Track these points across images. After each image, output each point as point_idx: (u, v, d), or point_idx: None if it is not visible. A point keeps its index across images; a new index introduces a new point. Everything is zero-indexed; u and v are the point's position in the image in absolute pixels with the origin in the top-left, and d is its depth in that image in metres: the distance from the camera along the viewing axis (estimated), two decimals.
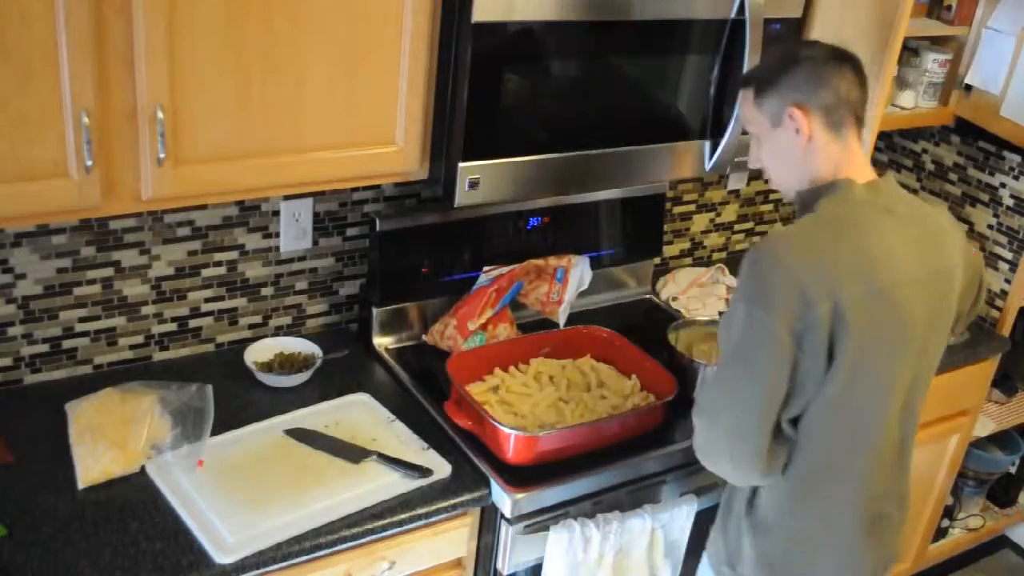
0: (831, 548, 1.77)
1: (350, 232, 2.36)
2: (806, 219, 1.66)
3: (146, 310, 2.17)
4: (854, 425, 1.68)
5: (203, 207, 2.13)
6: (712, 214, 2.97)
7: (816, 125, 1.66)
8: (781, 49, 1.76)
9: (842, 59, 1.68)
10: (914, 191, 3.11)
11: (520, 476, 1.96)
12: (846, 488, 1.73)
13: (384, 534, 1.85)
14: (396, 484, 1.91)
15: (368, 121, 1.87)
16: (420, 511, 1.88)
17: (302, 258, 2.32)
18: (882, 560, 1.85)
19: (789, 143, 1.69)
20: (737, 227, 3.05)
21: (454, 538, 1.98)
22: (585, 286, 2.43)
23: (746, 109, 1.75)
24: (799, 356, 1.59)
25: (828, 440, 1.68)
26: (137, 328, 2.18)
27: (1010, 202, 2.86)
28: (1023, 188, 2.83)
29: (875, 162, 3.18)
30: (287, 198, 2.21)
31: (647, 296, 2.78)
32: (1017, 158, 2.82)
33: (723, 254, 3.07)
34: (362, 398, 2.16)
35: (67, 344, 2.11)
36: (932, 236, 1.73)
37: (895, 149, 3.14)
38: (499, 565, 2.02)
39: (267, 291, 2.31)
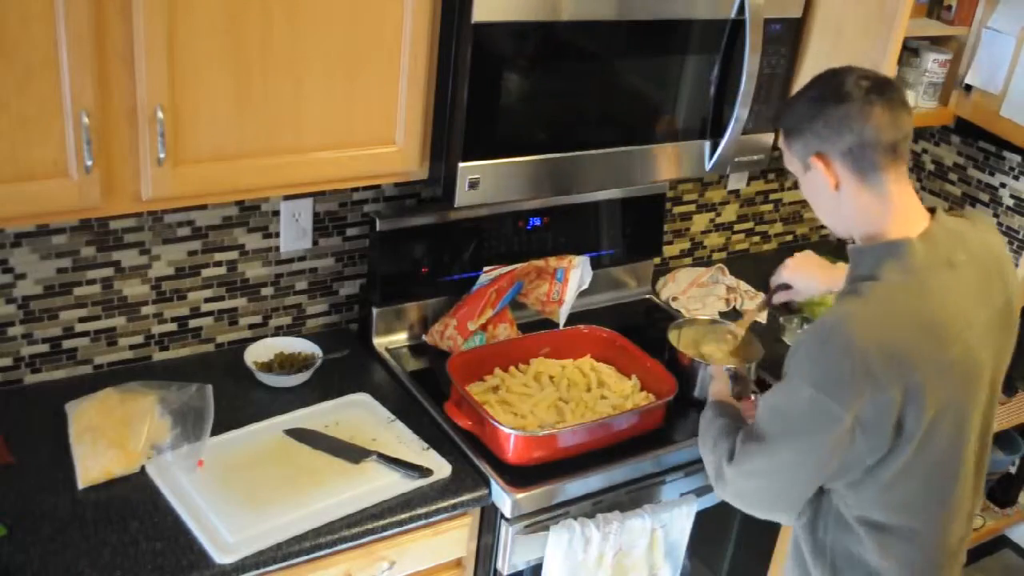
0: None
1: (350, 232, 2.36)
2: (872, 293, 1.56)
3: (146, 310, 2.17)
4: (931, 477, 1.64)
5: (203, 207, 2.13)
6: (712, 214, 2.97)
7: (842, 173, 1.60)
8: (812, 85, 1.65)
9: (869, 94, 1.57)
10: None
11: (520, 476, 1.96)
12: (930, 530, 1.69)
13: (384, 534, 1.85)
14: (396, 484, 1.91)
15: (368, 121, 1.87)
16: (420, 511, 1.88)
17: (302, 258, 2.32)
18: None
19: (820, 188, 1.64)
20: (737, 227, 3.05)
21: (454, 538, 1.98)
22: (585, 286, 2.43)
23: (782, 147, 1.71)
24: (859, 438, 1.55)
25: (905, 494, 1.64)
26: (137, 328, 2.18)
27: (1010, 202, 2.86)
28: (1023, 188, 2.83)
29: None
30: (287, 198, 2.21)
31: (647, 296, 2.78)
32: (1017, 158, 2.82)
33: (723, 254, 3.07)
34: (362, 398, 2.16)
35: (67, 344, 2.11)
36: (993, 272, 1.68)
37: None
38: (499, 565, 2.02)
39: (267, 291, 2.31)
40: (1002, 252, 1.74)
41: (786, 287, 2.16)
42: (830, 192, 1.63)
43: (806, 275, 2.12)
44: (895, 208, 1.61)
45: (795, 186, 3.12)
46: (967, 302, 1.61)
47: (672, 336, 2.34)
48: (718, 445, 1.76)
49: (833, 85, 1.60)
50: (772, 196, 3.07)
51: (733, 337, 2.30)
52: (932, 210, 1.67)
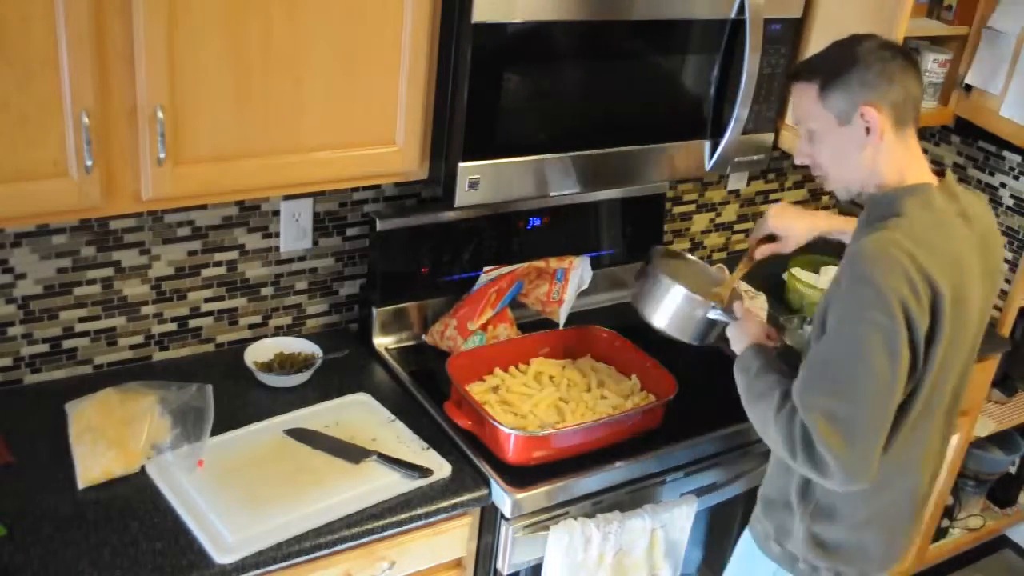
0: (887, 530, 1.80)
1: (350, 232, 2.36)
2: (900, 224, 1.61)
3: (146, 310, 2.17)
4: (919, 422, 1.70)
5: (203, 207, 2.13)
6: (712, 214, 2.97)
7: (886, 123, 1.64)
8: (843, 44, 1.69)
9: (907, 56, 1.66)
10: None
11: (520, 476, 1.96)
12: (910, 478, 1.76)
13: (384, 534, 1.85)
14: (396, 484, 1.91)
15: (368, 121, 1.87)
16: (420, 511, 1.88)
17: (302, 258, 2.32)
18: (917, 533, 1.89)
19: (856, 142, 1.66)
20: (737, 227, 3.05)
21: (454, 538, 1.98)
22: (585, 286, 2.43)
23: (806, 103, 1.69)
24: (910, 355, 1.58)
25: (900, 436, 1.68)
26: (137, 328, 2.18)
27: (1010, 202, 2.86)
28: (1023, 188, 2.83)
29: None
30: (287, 198, 2.21)
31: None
32: (1017, 158, 2.82)
33: (723, 254, 3.07)
34: (362, 398, 2.16)
35: (67, 344, 2.11)
36: (990, 237, 1.75)
37: None
38: (499, 565, 2.02)
39: (267, 291, 2.31)
40: (994, 222, 1.81)
41: (770, 239, 2.08)
42: (868, 143, 1.65)
43: (789, 221, 2.07)
44: (916, 159, 1.69)
45: (796, 186, 3.12)
46: (974, 254, 1.67)
47: (656, 255, 2.17)
48: (782, 418, 1.65)
49: (869, 43, 1.66)
50: (772, 196, 3.07)
51: (718, 299, 2.06)
52: (941, 173, 1.73)
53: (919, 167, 1.70)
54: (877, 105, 1.63)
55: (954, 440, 2.96)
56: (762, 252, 2.09)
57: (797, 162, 1.79)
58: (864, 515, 1.77)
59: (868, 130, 1.64)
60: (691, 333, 2.05)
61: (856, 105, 1.64)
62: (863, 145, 1.66)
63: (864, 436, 1.57)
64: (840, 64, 1.65)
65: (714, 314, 2.00)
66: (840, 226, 2.07)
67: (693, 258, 2.30)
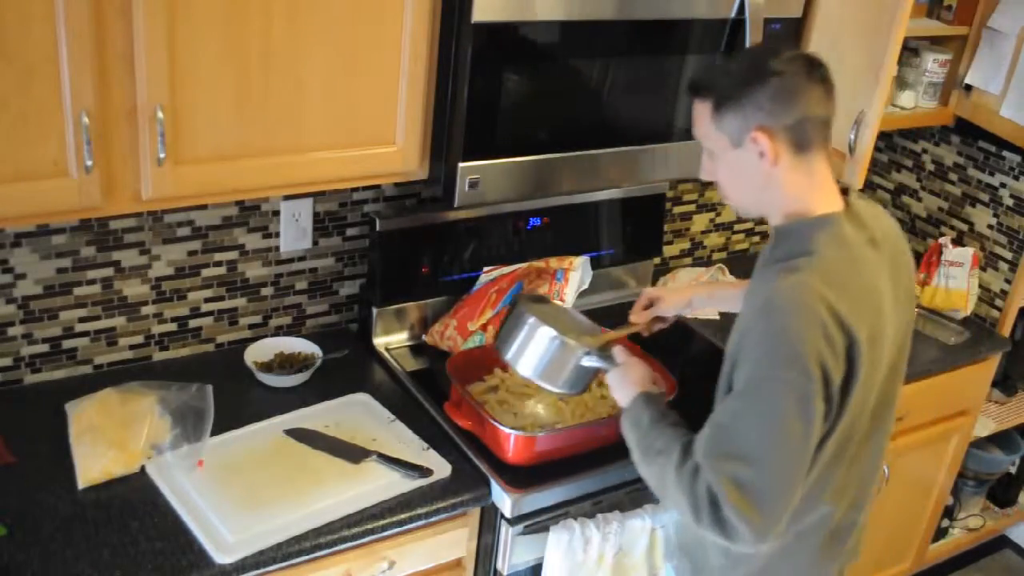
0: (804, 558, 1.73)
1: (350, 232, 2.36)
2: (812, 265, 1.52)
3: (146, 310, 2.17)
4: (831, 461, 1.62)
5: (203, 207, 2.13)
6: (712, 214, 2.97)
7: (782, 148, 1.54)
8: (745, 58, 1.60)
9: (811, 71, 1.54)
10: (913, 191, 3.11)
11: (520, 476, 1.96)
12: (821, 508, 1.68)
13: (384, 534, 1.85)
14: (396, 484, 1.91)
15: (368, 121, 1.87)
16: (420, 511, 1.88)
17: (302, 258, 2.32)
18: (846, 562, 1.82)
19: (750, 166, 1.56)
20: (737, 227, 3.05)
21: (454, 538, 1.98)
22: (585, 286, 2.43)
23: (700, 123, 1.60)
24: (825, 410, 1.51)
25: (815, 471, 1.60)
26: (137, 328, 2.18)
27: (1010, 202, 2.86)
28: (1023, 188, 2.83)
29: (875, 162, 3.18)
30: (287, 198, 2.21)
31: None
32: (1017, 158, 2.82)
33: (723, 254, 3.07)
34: (362, 398, 2.16)
35: (67, 344, 2.11)
36: (900, 256, 1.69)
37: (895, 149, 3.14)
38: (499, 565, 2.02)
39: (267, 291, 2.31)
40: (901, 235, 1.73)
41: (648, 306, 2.07)
42: (762, 169, 1.56)
43: (665, 290, 2.09)
44: (822, 186, 1.60)
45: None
46: (884, 282, 1.61)
47: (523, 299, 1.97)
48: (684, 477, 1.54)
49: (770, 59, 1.54)
50: None
51: (592, 344, 1.87)
52: (844, 192, 1.65)
53: (825, 195, 1.59)
54: (769, 130, 1.52)
55: (954, 440, 2.96)
56: (640, 316, 2.06)
57: (702, 178, 1.68)
58: (776, 548, 1.67)
59: (761, 154, 1.54)
60: (562, 381, 1.85)
61: (748, 129, 1.53)
62: (758, 170, 1.56)
63: (775, 500, 1.48)
64: (736, 83, 1.54)
65: (589, 360, 1.81)
66: (720, 293, 2.10)
67: (564, 305, 2.15)
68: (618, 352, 1.81)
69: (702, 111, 1.59)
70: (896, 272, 1.66)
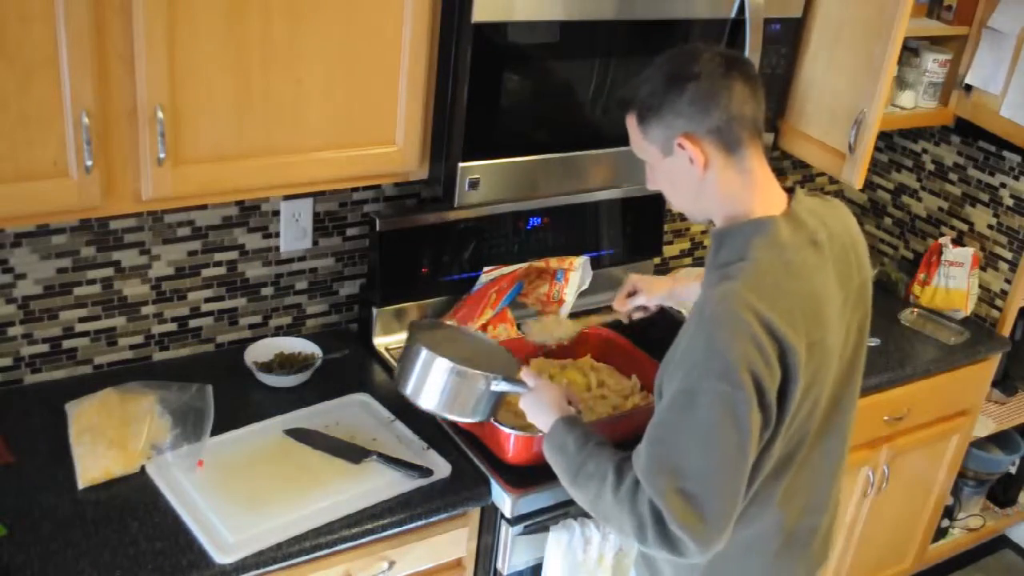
0: (759, 560, 1.71)
1: (350, 232, 2.36)
2: (746, 273, 1.50)
3: (146, 310, 2.17)
4: (779, 466, 1.61)
5: (203, 207, 2.13)
6: None
7: (711, 151, 1.52)
8: (663, 65, 1.55)
9: (728, 69, 1.51)
10: (913, 191, 3.11)
11: (520, 476, 1.96)
12: (769, 514, 1.65)
13: (384, 534, 1.85)
14: (396, 484, 1.91)
15: (368, 121, 1.87)
16: (420, 511, 1.88)
17: (302, 258, 2.32)
18: (813, 565, 1.79)
19: (683, 173, 1.55)
20: None
21: (454, 538, 1.98)
22: (585, 286, 2.43)
23: (633, 136, 1.59)
24: (761, 419, 1.48)
25: (760, 477, 1.58)
26: (137, 328, 2.18)
27: (1010, 202, 2.86)
28: (1023, 188, 2.83)
29: (875, 162, 3.18)
30: (287, 198, 2.21)
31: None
32: (1017, 158, 2.82)
33: None
34: (362, 398, 2.16)
35: (67, 344, 2.11)
36: (850, 251, 1.65)
37: (895, 149, 3.14)
38: (499, 565, 2.02)
39: (267, 291, 2.31)
40: (857, 232, 1.70)
41: (632, 294, 2.11)
42: (695, 174, 1.54)
43: (649, 281, 2.11)
44: (758, 186, 1.57)
45: (795, 185, 3.12)
46: (828, 282, 1.58)
47: (416, 328, 1.91)
48: (624, 497, 1.51)
49: (688, 62, 1.52)
50: None
51: (507, 369, 1.85)
52: (790, 190, 1.63)
53: (763, 195, 1.57)
54: (692, 136, 1.51)
55: (954, 440, 2.96)
56: (622, 305, 2.11)
57: (648, 187, 1.66)
58: (724, 552, 1.60)
59: (691, 160, 1.53)
60: (471, 410, 1.80)
61: (672, 137, 1.52)
62: (692, 175, 1.55)
63: (719, 510, 1.46)
64: (654, 93, 1.53)
65: (497, 386, 1.76)
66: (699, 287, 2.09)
67: (464, 328, 2.10)
68: (527, 375, 1.80)
69: (631, 125, 1.59)
70: (846, 270, 1.63)
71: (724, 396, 1.44)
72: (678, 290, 2.11)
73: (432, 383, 1.78)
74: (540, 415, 1.74)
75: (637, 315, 2.14)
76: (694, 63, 1.51)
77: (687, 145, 1.52)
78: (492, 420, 1.92)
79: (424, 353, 1.77)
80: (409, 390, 1.82)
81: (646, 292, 2.11)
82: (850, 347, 1.65)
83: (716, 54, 1.53)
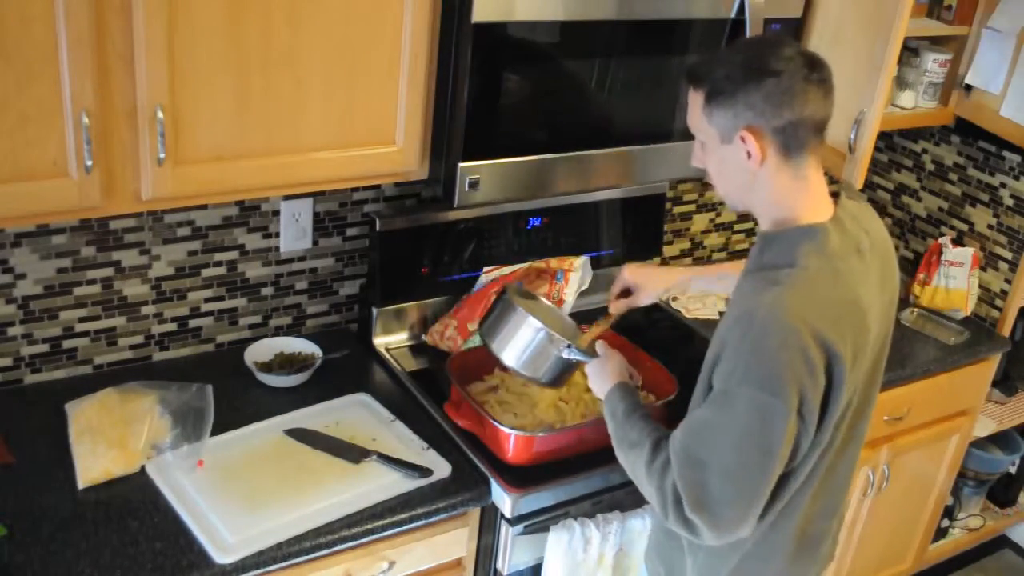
0: (774, 565, 1.72)
1: (350, 232, 2.36)
2: (794, 279, 1.50)
3: (146, 310, 2.17)
4: (806, 465, 1.61)
5: (203, 207, 2.13)
6: (712, 214, 2.97)
7: (770, 151, 1.51)
8: (744, 51, 1.53)
9: (810, 72, 1.49)
10: (913, 191, 3.11)
11: (520, 476, 1.96)
12: (790, 518, 1.67)
13: (384, 534, 1.85)
14: (396, 484, 1.91)
15: (368, 121, 1.87)
16: (420, 511, 1.88)
17: (302, 258, 2.32)
18: (821, 567, 1.82)
19: (737, 163, 1.54)
20: (737, 227, 3.05)
21: (454, 538, 1.98)
22: (585, 286, 2.43)
23: (693, 112, 1.57)
24: (800, 426, 1.49)
25: (796, 484, 1.61)
26: (137, 328, 2.18)
27: (1010, 202, 2.86)
28: (1023, 188, 2.83)
29: (875, 162, 3.18)
30: (287, 198, 2.21)
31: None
32: (1017, 158, 2.82)
33: (723, 254, 3.07)
34: (362, 398, 2.16)
35: (67, 344, 2.11)
36: (887, 261, 1.66)
37: (895, 149, 3.14)
38: (499, 565, 2.02)
39: (267, 291, 2.31)
40: (889, 239, 1.70)
41: (626, 294, 2.06)
42: (748, 168, 1.53)
43: (643, 276, 2.06)
44: (811, 192, 1.56)
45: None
46: (870, 292, 1.58)
47: (511, 291, 2.00)
48: (655, 472, 1.58)
49: (771, 56, 1.49)
50: None
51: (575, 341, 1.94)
52: (835, 195, 1.61)
53: (814, 201, 1.56)
54: (757, 131, 1.49)
55: (954, 440, 2.96)
56: (617, 307, 2.05)
57: (693, 164, 1.64)
58: (746, 550, 1.68)
59: (749, 154, 1.51)
60: (543, 372, 1.90)
61: (737, 127, 1.50)
62: (745, 168, 1.53)
63: (733, 509, 1.50)
64: (730, 78, 1.50)
65: (569, 353, 1.86)
66: (694, 284, 2.10)
67: (549, 303, 2.16)
68: (599, 346, 1.88)
69: (695, 101, 1.56)
70: (883, 279, 1.63)
71: (762, 404, 1.45)
72: (674, 286, 2.09)
73: (518, 340, 1.89)
74: (601, 381, 1.81)
75: (621, 306, 2.08)
76: (776, 58, 1.49)
77: (749, 139, 1.50)
78: (484, 413, 1.92)
79: (519, 311, 1.89)
80: (495, 343, 1.92)
81: (641, 294, 2.05)
82: (875, 356, 1.66)
83: (799, 53, 1.51)
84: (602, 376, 1.81)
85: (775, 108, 1.48)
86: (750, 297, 1.52)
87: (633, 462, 1.64)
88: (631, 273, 2.06)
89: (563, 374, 1.92)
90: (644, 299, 2.06)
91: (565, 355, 1.87)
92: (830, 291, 1.51)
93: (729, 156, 1.55)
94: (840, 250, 1.55)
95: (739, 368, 1.48)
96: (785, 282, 1.49)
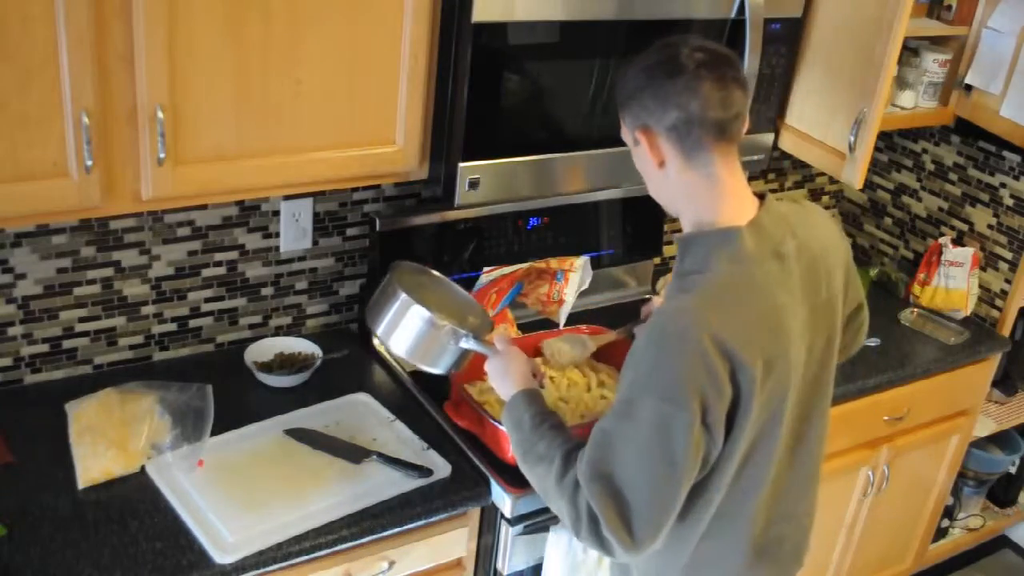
0: (727, 572, 1.69)
1: (350, 232, 2.36)
2: (701, 287, 1.48)
3: (146, 310, 2.17)
4: (744, 478, 1.59)
5: (203, 207, 2.13)
6: None
7: (667, 150, 1.50)
8: (647, 55, 1.52)
9: (699, 68, 1.46)
10: (913, 191, 3.11)
11: (520, 476, 1.94)
12: (735, 527, 1.64)
13: (384, 534, 1.85)
14: (396, 484, 1.91)
15: (368, 121, 1.87)
16: (420, 511, 1.88)
17: (302, 258, 2.32)
18: (781, 567, 1.77)
19: (648, 166, 1.55)
20: None
21: (454, 538, 1.98)
22: (585, 286, 2.42)
23: (621, 119, 1.59)
24: (704, 437, 1.46)
25: (718, 494, 1.58)
26: (137, 328, 2.18)
27: (1010, 202, 2.86)
28: (1023, 188, 2.83)
29: (875, 162, 3.18)
30: (287, 198, 2.21)
31: (647, 296, 2.77)
32: (1017, 158, 2.82)
33: None
34: (362, 398, 2.16)
35: (67, 344, 2.11)
36: (818, 263, 1.61)
37: (895, 149, 3.14)
38: (499, 565, 2.02)
39: (267, 291, 2.31)
40: (833, 243, 1.66)
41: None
42: (656, 169, 1.53)
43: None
44: (726, 193, 1.53)
45: (796, 186, 3.12)
46: (792, 296, 1.54)
47: (398, 270, 1.87)
48: (566, 488, 1.52)
49: (666, 56, 1.49)
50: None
51: (474, 327, 1.84)
52: (761, 196, 1.59)
53: (730, 201, 1.53)
54: (650, 131, 1.50)
55: (954, 440, 2.96)
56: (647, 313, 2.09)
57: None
58: (690, 564, 1.65)
59: (648, 156, 1.52)
60: (441, 363, 1.80)
61: (634, 128, 1.52)
62: (654, 170, 1.54)
63: (648, 520, 1.46)
64: (629, 82, 1.52)
65: (467, 343, 1.76)
66: None
67: (444, 278, 2.01)
68: (498, 339, 1.80)
69: (620, 110, 1.58)
70: (812, 284, 1.59)
71: (662, 414, 1.43)
72: None
73: (405, 328, 1.76)
74: (502, 383, 1.73)
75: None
76: (671, 57, 1.48)
77: (642, 139, 1.52)
78: (484, 413, 1.92)
79: (402, 296, 1.74)
80: (380, 331, 1.79)
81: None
82: (815, 362, 1.62)
83: (697, 49, 1.48)
84: (503, 376, 1.73)
85: (662, 107, 1.47)
86: (662, 305, 1.52)
87: (541, 476, 1.57)
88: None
89: (461, 362, 1.81)
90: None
91: (463, 345, 1.75)
92: (740, 297, 1.49)
93: (641, 159, 1.56)
94: (755, 254, 1.51)
95: (640, 376, 1.46)
96: (693, 289, 1.48)
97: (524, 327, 2.41)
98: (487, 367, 1.77)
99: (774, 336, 1.51)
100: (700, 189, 1.53)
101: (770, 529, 1.69)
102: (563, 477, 1.53)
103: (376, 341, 2.28)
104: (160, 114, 1.64)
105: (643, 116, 1.50)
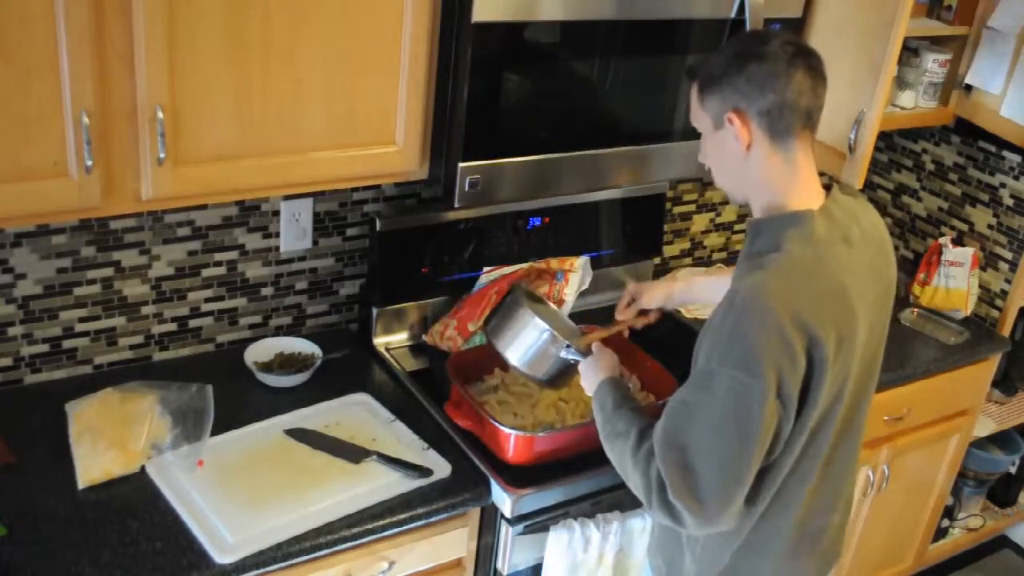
0: (772, 559, 1.73)
1: (350, 232, 2.36)
2: (777, 263, 1.52)
3: (146, 310, 2.17)
4: (808, 456, 1.63)
5: (203, 207, 2.13)
6: (712, 214, 2.97)
7: (756, 134, 1.55)
8: (735, 42, 1.60)
9: (794, 57, 1.53)
10: (913, 191, 3.11)
11: (520, 476, 1.96)
12: (786, 511, 1.68)
13: (384, 534, 1.85)
14: (396, 484, 1.91)
15: (368, 121, 1.87)
16: (420, 511, 1.88)
17: (302, 258, 2.32)
18: (824, 563, 1.82)
19: (729, 149, 1.59)
20: (737, 227, 3.05)
21: (454, 538, 1.98)
22: (585, 286, 2.43)
23: (692, 104, 1.64)
24: (780, 411, 1.50)
25: (782, 475, 1.62)
26: (137, 328, 2.18)
27: (1010, 202, 2.86)
28: (1023, 188, 2.83)
29: (875, 162, 3.18)
30: (287, 198, 2.21)
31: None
32: (1017, 158, 2.82)
33: (723, 254, 3.07)
34: (362, 398, 2.16)
35: (67, 344, 2.11)
36: (881, 252, 1.68)
37: (895, 149, 3.14)
38: (499, 565, 2.02)
39: (267, 291, 2.31)
40: (886, 233, 1.73)
41: (631, 301, 2.17)
42: (740, 152, 1.57)
43: (644, 287, 2.16)
44: (801, 178, 1.59)
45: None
46: (858, 279, 1.59)
47: (519, 291, 2.10)
48: (640, 460, 1.59)
49: (758, 43, 1.56)
50: None
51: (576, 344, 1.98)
52: (828, 187, 1.65)
53: (803, 189, 1.59)
54: (742, 113, 1.54)
55: (954, 440, 2.96)
56: (625, 315, 2.17)
57: (700, 160, 1.69)
58: (743, 545, 1.69)
59: (737, 137, 1.56)
60: (544, 372, 1.97)
61: (724, 111, 1.56)
62: (736, 153, 1.58)
63: (717, 491, 1.50)
64: (719, 65, 1.56)
65: (566, 353, 1.92)
66: (699, 284, 2.15)
67: (553, 306, 2.26)
68: (594, 347, 1.90)
69: (693, 93, 1.63)
70: (876, 271, 1.66)
71: (740, 384, 1.47)
72: (676, 292, 2.14)
73: (523, 340, 1.96)
74: (592, 377, 1.83)
75: (640, 323, 2.18)
76: (763, 44, 1.54)
77: (735, 120, 1.55)
78: (484, 413, 1.92)
79: (528, 314, 1.96)
80: (501, 343, 1.99)
81: (644, 299, 2.15)
82: (871, 348, 1.67)
83: (787, 41, 1.55)
84: (593, 371, 1.84)
85: (758, 90, 1.53)
86: (736, 281, 1.56)
87: (620, 451, 1.65)
88: (633, 285, 2.18)
89: (562, 375, 1.97)
90: (647, 301, 2.14)
91: (563, 355, 1.92)
92: (812, 276, 1.54)
93: (722, 142, 1.60)
94: (826, 237, 1.57)
95: (719, 348, 1.51)
96: (768, 266, 1.53)
97: None
98: (580, 367, 1.89)
99: (843, 316, 1.55)
100: (778, 174, 1.59)
101: (813, 519, 1.73)
102: (638, 450, 1.59)
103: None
104: (160, 114, 1.64)
105: (735, 99, 1.55)
